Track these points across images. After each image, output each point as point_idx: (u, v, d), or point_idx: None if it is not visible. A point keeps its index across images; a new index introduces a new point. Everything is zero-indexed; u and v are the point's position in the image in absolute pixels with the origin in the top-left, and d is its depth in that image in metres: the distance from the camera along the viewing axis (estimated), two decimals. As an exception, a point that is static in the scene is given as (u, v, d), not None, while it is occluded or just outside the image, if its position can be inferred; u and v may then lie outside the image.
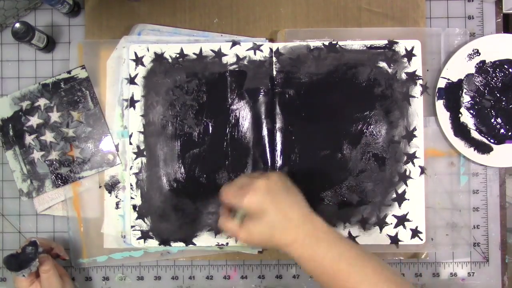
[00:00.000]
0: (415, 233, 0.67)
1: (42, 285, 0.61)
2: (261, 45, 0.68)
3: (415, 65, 0.68)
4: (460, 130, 0.69)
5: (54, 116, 0.69)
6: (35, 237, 0.62)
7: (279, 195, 0.54)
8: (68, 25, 0.72)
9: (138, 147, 0.68)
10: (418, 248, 0.69)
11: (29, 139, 0.69)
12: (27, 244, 0.60)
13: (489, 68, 0.68)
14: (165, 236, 0.68)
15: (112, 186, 0.69)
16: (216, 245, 0.68)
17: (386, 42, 0.68)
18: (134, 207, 0.68)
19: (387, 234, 0.67)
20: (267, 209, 0.53)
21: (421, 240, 0.67)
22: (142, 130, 0.68)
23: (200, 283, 0.71)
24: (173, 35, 0.70)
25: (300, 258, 0.53)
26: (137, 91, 0.68)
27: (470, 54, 0.68)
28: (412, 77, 0.68)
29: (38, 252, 0.60)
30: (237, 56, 0.68)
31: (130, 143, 0.68)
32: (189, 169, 0.68)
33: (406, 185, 0.68)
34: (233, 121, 0.68)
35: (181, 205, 0.68)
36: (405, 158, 0.68)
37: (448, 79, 0.69)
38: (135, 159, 0.68)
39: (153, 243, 0.68)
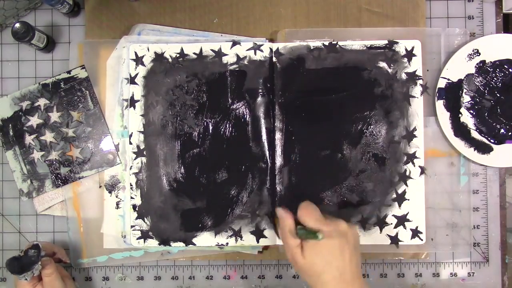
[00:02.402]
0: (415, 233, 0.67)
1: None
2: (261, 45, 0.68)
3: (415, 65, 0.68)
4: (460, 130, 0.69)
5: (54, 116, 0.69)
6: (37, 241, 0.62)
7: (352, 249, 0.54)
8: (68, 25, 0.72)
9: (138, 147, 0.68)
10: (418, 248, 0.69)
11: (29, 139, 0.69)
12: (29, 247, 0.60)
13: (489, 68, 0.68)
14: (165, 236, 0.68)
15: (112, 186, 0.69)
16: (216, 245, 0.68)
17: (386, 42, 0.68)
18: (134, 207, 0.68)
19: (387, 234, 0.67)
20: (337, 253, 0.53)
21: (421, 240, 0.67)
22: (142, 130, 0.68)
23: (200, 283, 0.71)
24: (173, 35, 0.70)
25: None
26: (137, 91, 0.68)
27: (470, 54, 0.68)
28: (412, 77, 0.68)
29: (40, 256, 0.59)
30: (238, 56, 0.68)
31: (130, 143, 0.68)
32: (189, 169, 0.68)
33: (406, 185, 0.68)
34: (233, 121, 0.68)
35: (181, 205, 0.68)
36: (405, 158, 0.68)
37: (448, 79, 0.69)
38: (135, 159, 0.68)
39: (153, 243, 0.68)
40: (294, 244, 0.55)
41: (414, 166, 0.68)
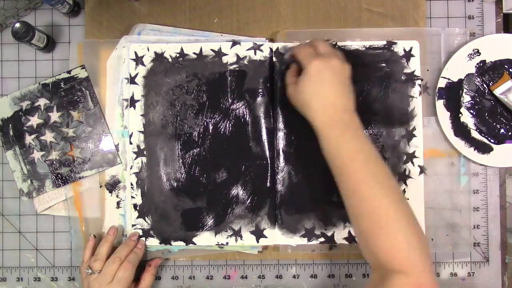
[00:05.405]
0: (415, 233, 0.67)
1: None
2: (261, 45, 0.68)
3: (414, 66, 0.68)
4: (460, 130, 0.69)
5: (54, 116, 0.69)
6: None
7: (341, 82, 0.58)
8: (68, 25, 0.72)
9: (138, 146, 0.68)
10: (418, 248, 0.69)
11: (29, 139, 0.69)
12: None
13: (489, 68, 0.68)
14: (166, 235, 0.68)
15: (112, 185, 0.69)
16: (216, 244, 0.68)
17: (384, 43, 0.68)
18: (135, 206, 0.68)
19: (387, 234, 0.67)
20: (326, 84, 0.57)
21: (421, 240, 0.67)
22: (142, 129, 0.68)
23: (200, 283, 0.71)
24: (173, 35, 0.70)
25: (324, 137, 0.57)
26: (137, 91, 0.69)
27: (470, 54, 0.69)
28: (411, 78, 0.68)
29: None
30: (238, 55, 0.68)
31: (130, 143, 0.68)
32: (189, 169, 0.68)
33: (406, 184, 0.68)
34: (233, 120, 0.68)
35: (181, 205, 0.68)
36: (405, 157, 0.68)
37: (448, 79, 0.69)
38: (135, 159, 0.68)
39: (154, 242, 0.68)
40: (292, 81, 0.61)
41: (414, 165, 0.68)
